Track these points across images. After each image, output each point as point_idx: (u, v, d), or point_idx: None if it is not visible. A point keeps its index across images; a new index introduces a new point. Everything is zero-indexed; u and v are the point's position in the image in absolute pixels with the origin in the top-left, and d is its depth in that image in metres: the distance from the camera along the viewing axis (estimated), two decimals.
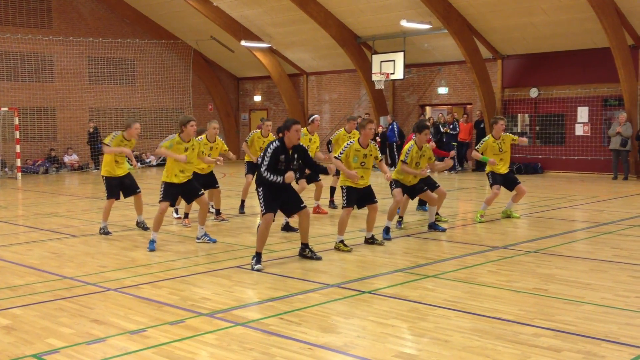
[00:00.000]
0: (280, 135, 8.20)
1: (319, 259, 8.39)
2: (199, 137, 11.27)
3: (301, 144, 8.32)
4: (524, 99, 22.76)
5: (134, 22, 27.91)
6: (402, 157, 10.12)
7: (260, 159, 8.05)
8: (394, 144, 23.91)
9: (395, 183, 10.28)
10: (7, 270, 8.06)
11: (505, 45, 22.44)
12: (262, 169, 7.91)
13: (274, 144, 8.01)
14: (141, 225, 10.85)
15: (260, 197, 8.05)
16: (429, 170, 10.43)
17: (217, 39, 27.69)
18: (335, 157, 9.06)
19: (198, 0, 24.87)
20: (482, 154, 11.39)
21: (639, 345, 5.16)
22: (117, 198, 10.64)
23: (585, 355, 4.92)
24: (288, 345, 5.21)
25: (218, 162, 10.93)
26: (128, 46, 27.38)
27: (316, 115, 12.67)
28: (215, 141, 11.31)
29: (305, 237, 8.46)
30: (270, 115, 30.27)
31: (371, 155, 9.08)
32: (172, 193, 9.47)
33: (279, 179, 7.90)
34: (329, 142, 13.47)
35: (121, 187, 10.62)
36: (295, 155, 8.18)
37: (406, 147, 10.24)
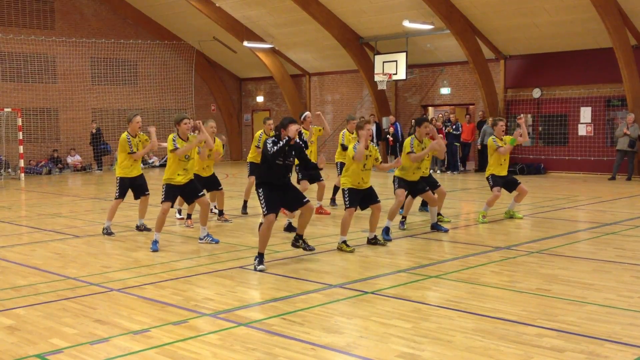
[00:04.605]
0: (277, 133, 8.19)
1: (312, 249, 8.54)
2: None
3: (298, 140, 8.33)
4: (526, 99, 22.73)
5: (137, 23, 27.93)
6: (408, 150, 10.13)
7: (265, 152, 8.01)
8: (397, 144, 23.92)
9: (398, 182, 10.28)
10: (10, 270, 8.09)
11: (507, 45, 22.42)
12: (270, 153, 7.86)
13: (272, 140, 8.04)
14: (142, 228, 10.86)
15: (261, 197, 8.06)
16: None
17: (220, 39, 27.70)
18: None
19: (200, 1, 24.88)
20: (502, 144, 11.22)
21: None
22: (123, 198, 10.65)
23: (588, 356, 4.91)
24: (291, 345, 5.22)
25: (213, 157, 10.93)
26: (130, 47, 27.41)
27: (307, 113, 12.68)
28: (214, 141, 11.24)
29: (302, 230, 8.56)
30: (272, 116, 30.21)
31: (371, 156, 9.13)
32: (173, 194, 9.49)
33: (282, 142, 7.85)
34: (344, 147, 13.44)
35: (132, 187, 10.66)
36: (292, 152, 8.21)
37: (407, 140, 10.31)
